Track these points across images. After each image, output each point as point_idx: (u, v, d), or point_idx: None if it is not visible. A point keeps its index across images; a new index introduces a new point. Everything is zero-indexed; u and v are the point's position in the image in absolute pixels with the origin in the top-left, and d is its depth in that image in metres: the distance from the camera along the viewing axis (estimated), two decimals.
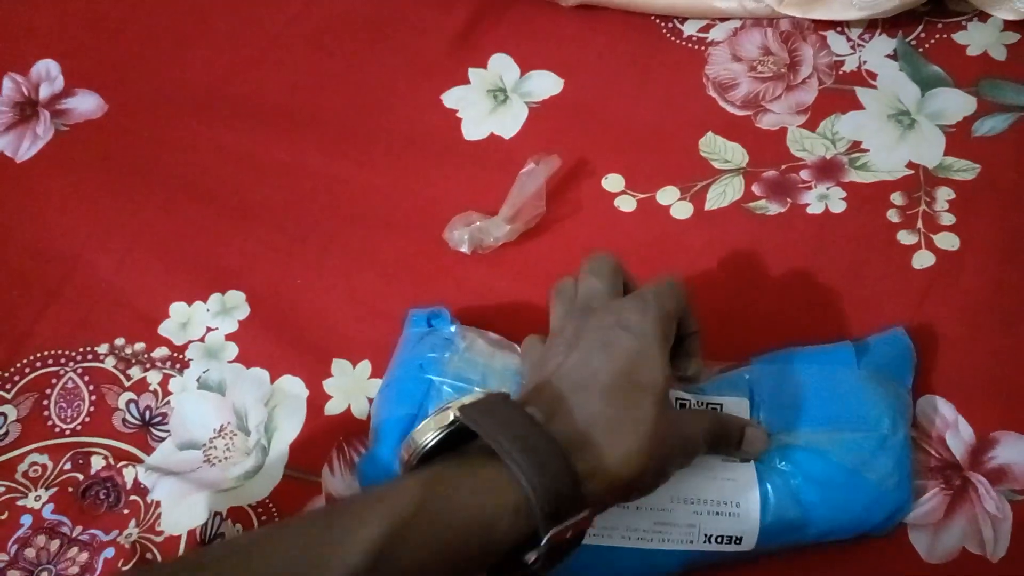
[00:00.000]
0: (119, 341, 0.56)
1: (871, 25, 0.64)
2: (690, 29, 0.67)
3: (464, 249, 0.57)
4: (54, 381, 0.55)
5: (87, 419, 0.54)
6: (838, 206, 0.57)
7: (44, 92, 0.68)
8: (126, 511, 0.50)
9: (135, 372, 0.55)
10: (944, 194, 0.56)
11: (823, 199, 0.57)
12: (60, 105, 0.68)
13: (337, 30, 0.70)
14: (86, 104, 0.68)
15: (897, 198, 0.57)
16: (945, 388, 0.49)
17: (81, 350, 0.56)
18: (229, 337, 0.56)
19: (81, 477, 0.52)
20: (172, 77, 0.68)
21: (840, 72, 0.63)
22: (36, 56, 0.70)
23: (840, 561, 0.45)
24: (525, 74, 0.66)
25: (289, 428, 0.52)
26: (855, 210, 0.57)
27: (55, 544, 0.50)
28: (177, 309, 0.57)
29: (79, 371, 0.55)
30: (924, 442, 0.48)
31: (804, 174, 0.59)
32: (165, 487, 0.51)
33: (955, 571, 0.45)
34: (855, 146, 0.59)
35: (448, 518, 0.34)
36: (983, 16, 0.63)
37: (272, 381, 0.54)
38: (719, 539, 0.43)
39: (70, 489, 0.51)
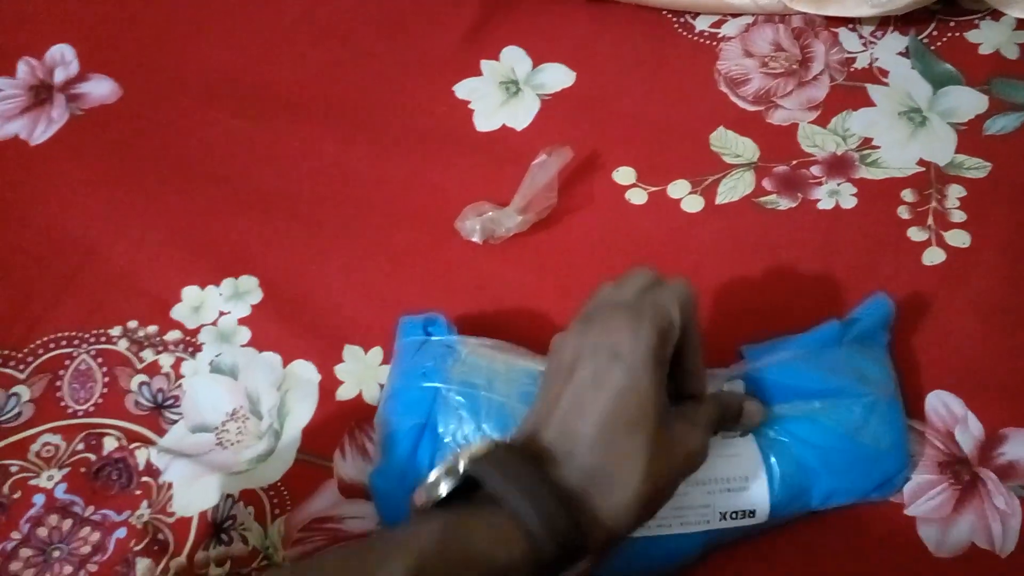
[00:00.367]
0: (132, 324, 0.57)
1: (883, 22, 0.65)
2: (702, 24, 0.67)
3: (476, 239, 0.57)
4: (67, 363, 0.55)
5: (100, 400, 0.54)
6: (849, 202, 0.57)
7: (59, 76, 0.69)
8: (138, 492, 0.51)
9: (148, 355, 0.56)
10: (955, 191, 0.57)
11: (834, 195, 0.58)
12: (75, 89, 0.68)
13: (351, 21, 0.70)
14: (101, 89, 0.68)
15: (908, 195, 0.57)
16: (954, 384, 0.50)
17: (95, 332, 0.57)
18: (242, 321, 0.56)
19: (94, 458, 0.52)
20: (187, 63, 0.69)
21: (852, 69, 0.63)
22: (51, 40, 0.70)
23: (850, 554, 0.46)
24: (537, 66, 0.67)
25: (301, 412, 0.53)
26: (866, 206, 0.57)
27: (67, 524, 0.50)
28: (190, 293, 0.57)
29: (92, 353, 0.56)
30: (933, 437, 0.48)
31: (815, 170, 0.59)
32: (177, 469, 0.51)
33: (964, 566, 0.45)
34: (866, 143, 0.60)
35: (466, 563, 0.35)
36: (996, 14, 0.64)
37: (284, 366, 0.54)
38: (734, 515, 0.44)
39: (83, 470, 0.52)
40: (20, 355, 0.56)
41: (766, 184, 0.59)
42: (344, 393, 0.53)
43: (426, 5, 0.70)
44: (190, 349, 0.56)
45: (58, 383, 0.55)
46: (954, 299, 0.53)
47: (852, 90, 0.62)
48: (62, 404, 0.54)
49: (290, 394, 0.53)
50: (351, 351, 0.55)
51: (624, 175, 0.61)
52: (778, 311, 0.54)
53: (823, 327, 0.49)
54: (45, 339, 0.56)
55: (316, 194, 0.62)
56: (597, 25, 0.68)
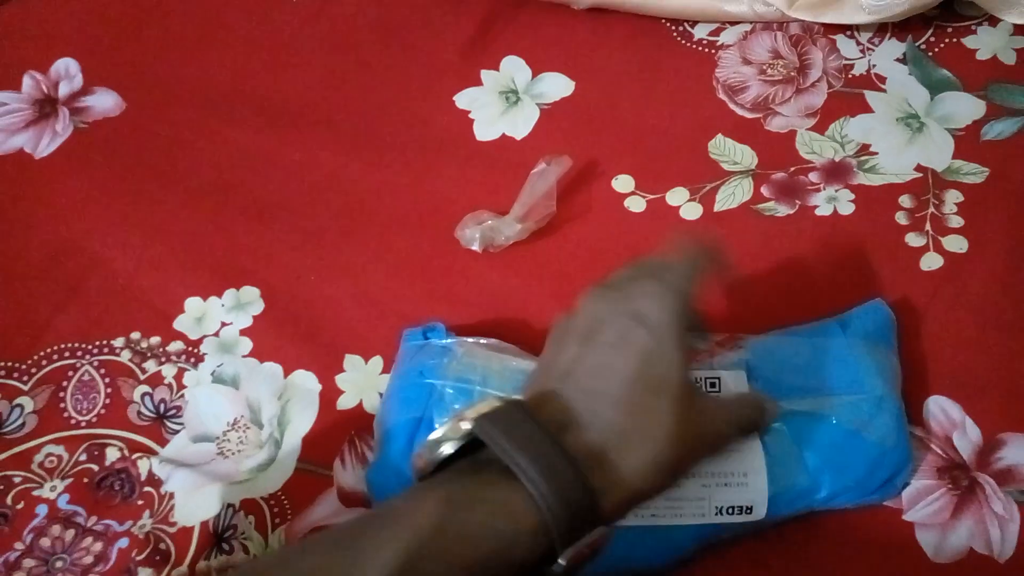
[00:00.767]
0: (135, 335, 0.57)
1: (881, 29, 0.65)
2: (700, 32, 0.67)
3: (475, 247, 0.58)
4: (70, 373, 0.56)
5: (103, 411, 0.55)
6: (847, 208, 0.57)
7: (63, 90, 0.69)
8: (140, 502, 0.51)
9: (150, 366, 0.56)
10: (953, 197, 0.57)
11: (832, 201, 0.58)
12: (79, 103, 0.69)
13: (352, 33, 0.71)
14: (104, 102, 0.69)
15: (906, 201, 0.57)
16: (952, 389, 0.50)
17: (98, 343, 0.57)
18: (243, 332, 0.57)
19: (96, 468, 0.52)
20: (189, 76, 0.69)
21: (849, 76, 0.63)
22: (56, 55, 0.71)
23: (848, 560, 0.46)
24: (537, 76, 0.67)
25: (302, 422, 0.53)
26: (864, 212, 0.57)
27: (70, 534, 0.50)
28: (192, 304, 0.58)
29: (95, 364, 0.56)
30: (931, 442, 0.48)
31: (813, 176, 0.59)
32: (179, 479, 0.51)
33: (962, 571, 0.45)
34: (864, 149, 0.60)
35: (466, 540, 0.33)
36: (993, 20, 0.64)
37: (285, 376, 0.55)
38: (730, 510, 0.44)
39: (85, 480, 0.52)
40: (24, 366, 0.56)
41: (764, 191, 0.59)
42: (345, 403, 0.54)
43: (426, 16, 0.71)
44: (192, 360, 0.56)
45: (61, 394, 0.55)
46: (952, 304, 0.53)
47: (850, 96, 0.62)
48: (65, 415, 0.55)
49: (291, 404, 0.54)
50: (352, 360, 0.55)
51: (623, 183, 0.61)
52: (776, 317, 0.54)
53: (821, 324, 0.50)
54: (48, 350, 0.57)
55: (316, 204, 0.62)
56: (596, 34, 0.68)
